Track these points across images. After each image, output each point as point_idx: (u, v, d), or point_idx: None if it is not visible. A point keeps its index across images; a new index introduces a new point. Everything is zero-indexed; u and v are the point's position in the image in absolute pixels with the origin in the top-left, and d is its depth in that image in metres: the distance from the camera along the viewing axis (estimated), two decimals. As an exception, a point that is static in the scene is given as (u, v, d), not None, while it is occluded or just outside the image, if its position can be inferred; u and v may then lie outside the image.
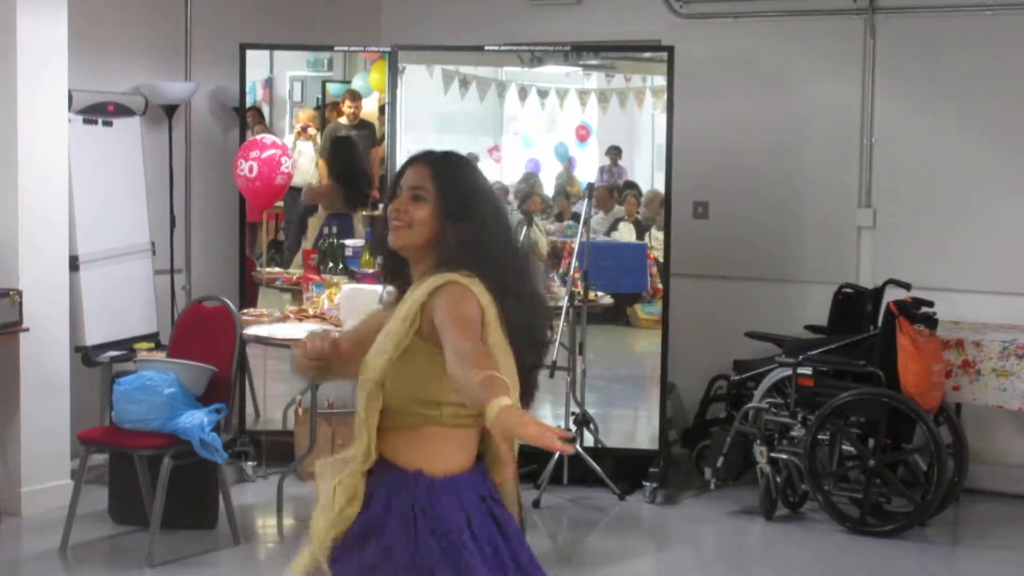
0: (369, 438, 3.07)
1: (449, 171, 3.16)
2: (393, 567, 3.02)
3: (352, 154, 8.11)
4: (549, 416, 7.82)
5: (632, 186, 8.20)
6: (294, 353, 3.28)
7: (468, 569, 2.99)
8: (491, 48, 7.91)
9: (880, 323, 6.89)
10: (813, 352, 6.88)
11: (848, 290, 7.48)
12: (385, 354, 3.05)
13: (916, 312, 6.68)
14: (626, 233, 8.00)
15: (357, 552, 3.07)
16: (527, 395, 3.16)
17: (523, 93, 8.31)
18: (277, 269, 8.01)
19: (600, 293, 7.61)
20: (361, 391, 3.09)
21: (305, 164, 8.08)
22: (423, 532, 3.01)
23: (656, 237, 7.69)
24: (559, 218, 8.18)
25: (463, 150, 7.99)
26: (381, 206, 3.20)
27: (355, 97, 8.17)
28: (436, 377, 2.99)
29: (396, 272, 3.24)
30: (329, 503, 3.12)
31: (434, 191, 3.12)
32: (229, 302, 6.40)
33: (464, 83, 8.17)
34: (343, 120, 8.18)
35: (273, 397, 7.90)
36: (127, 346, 7.29)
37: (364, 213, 8.08)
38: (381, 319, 3.21)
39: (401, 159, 7.30)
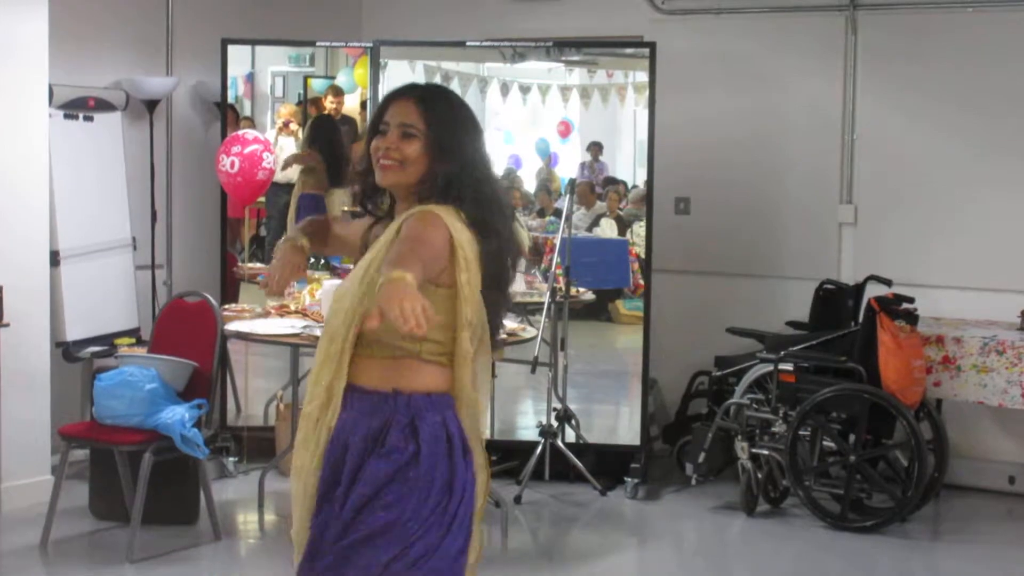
0: (341, 363, 3.08)
1: (438, 106, 3.16)
2: (364, 488, 3.03)
3: (332, 132, 8.08)
4: (531, 412, 7.84)
5: (614, 182, 8.20)
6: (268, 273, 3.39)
7: (419, 491, 3.01)
8: (473, 44, 7.90)
9: (861, 319, 6.91)
10: (794, 348, 6.90)
11: (829, 286, 7.49)
12: (362, 279, 3.07)
13: (897, 308, 6.70)
14: (608, 229, 8.01)
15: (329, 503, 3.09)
16: (493, 332, 3.19)
17: (505, 89, 8.31)
18: (259, 264, 7.99)
19: (582, 289, 7.61)
20: (334, 317, 3.10)
21: (287, 160, 8.07)
22: (396, 446, 3.03)
23: (638, 233, 7.69)
24: (541, 214, 8.18)
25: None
26: (365, 143, 3.19)
27: (338, 93, 8.16)
28: None
29: (372, 201, 3.24)
30: (303, 438, 3.14)
31: (424, 128, 3.12)
32: (210, 297, 6.40)
33: (446, 78, 8.15)
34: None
35: (254, 393, 7.90)
36: (108, 341, 7.27)
37: (345, 209, 8.05)
38: (362, 229, 3.25)
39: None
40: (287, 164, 7.87)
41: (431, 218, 3.02)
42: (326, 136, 8.03)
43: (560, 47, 8.03)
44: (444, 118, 3.13)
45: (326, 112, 8.14)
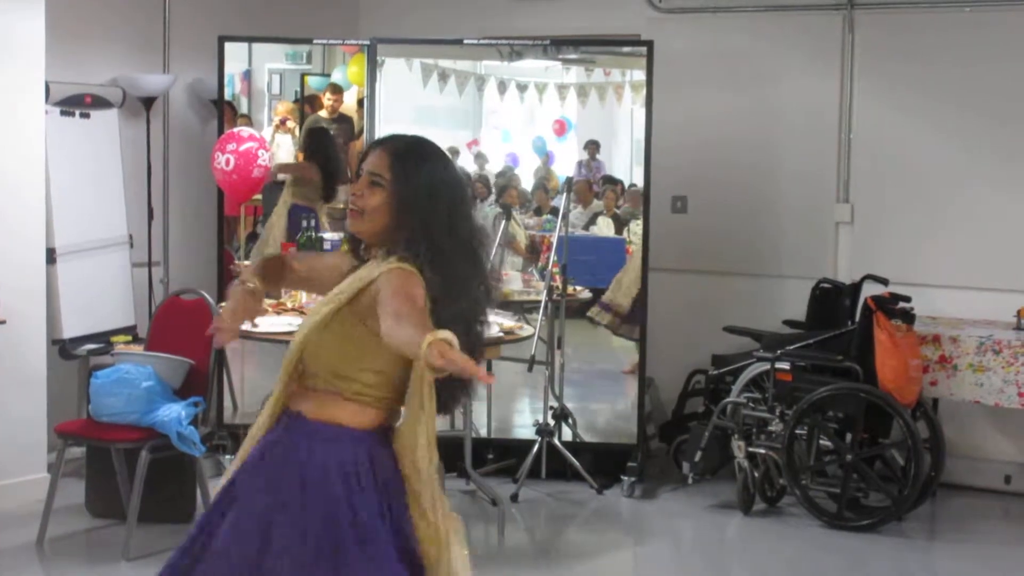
0: (279, 389, 3.22)
1: (408, 160, 3.13)
2: (258, 505, 3.09)
3: (328, 145, 8.08)
4: (528, 411, 7.85)
5: (611, 180, 8.20)
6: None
7: (305, 523, 3.03)
8: (470, 42, 7.89)
9: (858, 318, 6.91)
10: (791, 347, 6.90)
11: (826, 285, 7.49)
12: (317, 316, 3.14)
13: (893, 307, 6.70)
14: (604, 228, 8.00)
15: (246, 474, 3.18)
16: (450, 396, 3.18)
17: (502, 87, 8.31)
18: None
19: (579, 287, 7.61)
20: (292, 344, 3.21)
21: (283, 157, 8.05)
22: (288, 472, 3.09)
23: (635, 232, 7.69)
24: (538, 212, 8.18)
25: (442, 144, 8.07)
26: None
27: (337, 90, 8.15)
28: (353, 354, 3.09)
29: (359, 252, 3.26)
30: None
31: (390, 179, 3.11)
32: (207, 295, 6.39)
33: (443, 77, 8.16)
34: (323, 113, 8.16)
35: (251, 390, 7.88)
36: (104, 339, 7.26)
37: (341, 207, 8.05)
38: (338, 263, 3.30)
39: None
40: (279, 171, 7.87)
41: (407, 275, 3.03)
42: (322, 149, 8.03)
43: (557, 45, 8.02)
44: (409, 172, 3.11)
45: (323, 110, 8.14)
